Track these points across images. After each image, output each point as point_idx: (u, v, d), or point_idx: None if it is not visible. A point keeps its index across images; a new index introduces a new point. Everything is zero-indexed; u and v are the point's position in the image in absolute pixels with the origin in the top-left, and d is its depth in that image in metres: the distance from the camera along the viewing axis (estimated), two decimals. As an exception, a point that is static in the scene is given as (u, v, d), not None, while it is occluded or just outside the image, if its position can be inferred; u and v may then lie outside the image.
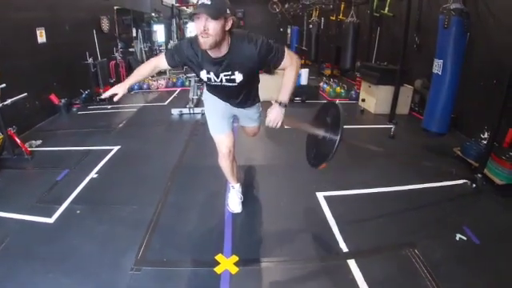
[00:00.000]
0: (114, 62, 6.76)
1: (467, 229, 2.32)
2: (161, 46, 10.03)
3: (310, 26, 8.88)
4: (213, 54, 1.77)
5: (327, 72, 8.30)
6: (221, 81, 1.92)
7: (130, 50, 8.20)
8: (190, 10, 12.20)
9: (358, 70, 6.71)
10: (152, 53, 9.05)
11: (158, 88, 6.97)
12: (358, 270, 1.94)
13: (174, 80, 7.26)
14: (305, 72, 5.98)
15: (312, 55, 9.18)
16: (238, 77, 1.88)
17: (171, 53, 1.93)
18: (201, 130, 4.39)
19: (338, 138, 1.75)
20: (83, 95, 5.67)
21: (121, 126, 4.66)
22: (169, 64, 1.95)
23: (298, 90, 5.85)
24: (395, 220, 2.48)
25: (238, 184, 2.58)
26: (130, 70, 7.08)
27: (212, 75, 1.89)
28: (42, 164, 3.43)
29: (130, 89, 6.76)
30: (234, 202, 2.55)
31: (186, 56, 1.86)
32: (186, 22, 11.71)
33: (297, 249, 2.16)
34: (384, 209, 2.61)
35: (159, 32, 10.36)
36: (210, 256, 2.04)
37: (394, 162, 3.48)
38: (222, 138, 2.26)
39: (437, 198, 2.78)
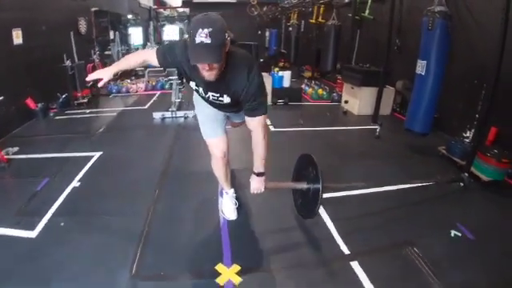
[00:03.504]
0: (91, 64, 6.50)
1: (460, 225, 2.37)
2: (138, 49, 9.78)
3: (290, 28, 8.95)
4: None
5: (307, 74, 8.36)
6: (208, 97, 1.86)
7: (107, 52, 7.92)
8: (167, 12, 11.99)
9: (339, 72, 6.80)
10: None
11: (137, 91, 6.76)
12: (362, 271, 1.93)
13: (154, 83, 7.06)
14: (287, 74, 6.00)
15: (292, 57, 9.24)
16: (226, 99, 1.80)
17: (163, 52, 1.78)
18: (184, 134, 4.29)
19: (319, 187, 1.96)
20: (60, 99, 5.38)
21: (101, 131, 4.45)
22: (159, 63, 1.80)
23: (280, 93, 5.86)
24: (390, 220, 2.49)
25: (232, 189, 2.50)
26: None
27: (201, 90, 1.83)
28: (20, 172, 3.21)
29: (109, 92, 6.61)
30: (228, 208, 2.46)
31: (180, 61, 1.74)
32: (164, 25, 11.50)
33: (299, 254, 2.12)
34: (378, 209, 2.61)
35: (136, 35, 10.09)
36: (209, 266, 1.95)
37: (382, 162, 3.53)
38: (215, 141, 2.18)
39: (427, 196, 2.81)
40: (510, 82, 3.01)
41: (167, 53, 1.76)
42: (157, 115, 4.86)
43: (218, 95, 1.79)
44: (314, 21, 8.00)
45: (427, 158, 3.64)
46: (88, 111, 5.33)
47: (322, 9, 7.43)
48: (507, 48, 2.64)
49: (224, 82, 1.66)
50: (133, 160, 3.52)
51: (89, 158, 3.44)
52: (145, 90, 6.82)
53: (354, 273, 1.92)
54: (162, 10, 12.03)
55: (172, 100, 4.94)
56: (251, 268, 1.96)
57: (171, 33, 11.20)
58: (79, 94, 5.61)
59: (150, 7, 10.92)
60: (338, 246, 2.16)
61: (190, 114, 4.82)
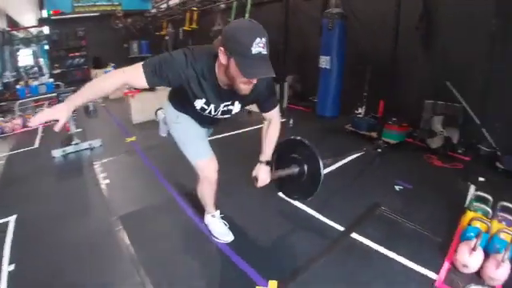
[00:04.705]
0: None
1: (398, 181, 3.03)
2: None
3: (166, 37, 8.71)
4: (227, 85, 1.55)
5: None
6: (216, 113, 1.73)
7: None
8: (22, 34, 9.66)
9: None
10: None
11: (13, 130, 5.37)
12: (363, 237, 2.27)
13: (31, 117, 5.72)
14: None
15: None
16: (236, 108, 1.75)
17: (154, 69, 1.45)
18: (104, 167, 3.62)
19: (320, 163, 1.92)
20: None
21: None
22: (149, 83, 1.46)
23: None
24: (351, 191, 2.94)
25: (218, 211, 2.33)
26: None
27: (211, 107, 1.68)
28: None
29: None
30: (221, 231, 2.27)
31: (185, 78, 1.50)
32: (19, 49, 9.25)
33: (308, 247, 2.22)
34: (336, 186, 3.00)
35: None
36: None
37: None
38: (208, 162, 1.99)
39: (361, 166, 3.41)
40: (388, 66, 3.91)
41: (163, 69, 1.46)
42: (57, 153, 4.02)
43: (230, 103, 1.71)
44: (187, 28, 8.06)
45: (341, 136, 4.34)
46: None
47: (195, 15, 7.57)
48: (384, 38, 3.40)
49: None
50: (64, 215, 2.75)
51: (4, 227, 2.61)
52: (23, 127, 5.47)
53: (360, 242, 2.23)
54: (15, 32, 9.55)
55: (71, 131, 4.17)
56: (286, 276, 1.95)
57: (25, 58, 9.20)
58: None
59: (4, 29, 8.52)
60: (332, 227, 2.42)
61: (95, 143, 4.18)
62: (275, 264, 2.08)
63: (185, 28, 8.15)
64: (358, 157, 3.54)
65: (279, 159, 2.10)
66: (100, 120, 5.70)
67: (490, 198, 2.25)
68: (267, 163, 1.94)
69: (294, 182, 2.08)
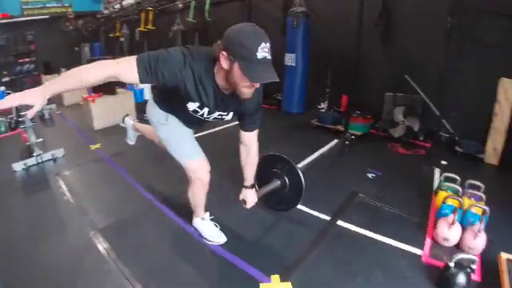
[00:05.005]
0: None
1: (369, 168, 3.20)
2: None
3: (121, 38, 8.30)
4: (226, 90, 1.52)
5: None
6: (209, 117, 1.68)
7: None
8: None
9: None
10: None
11: None
12: (348, 224, 2.36)
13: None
14: (147, 87, 5.70)
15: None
16: (229, 116, 1.72)
17: (149, 64, 1.35)
18: (70, 179, 3.27)
19: (299, 173, 2.09)
20: None
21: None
22: (141, 80, 1.36)
23: (142, 106, 5.52)
24: (330, 183, 3.01)
25: (208, 213, 2.25)
26: None
27: (205, 110, 1.61)
28: None
29: None
30: (213, 233, 2.19)
31: (181, 78, 1.42)
32: None
33: (299, 239, 2.25)
34: (310, 179, 2.95)
35: None
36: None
37: (282, 144, 4.00)
38: (200, 162, 1.93)
39: (332, 158, 3.49)
40: (350, 62, 4.11)
41: (159, 66, 1.36)
42: (17, 166, 3.57)
43: (226, 113, 1.68)
44: (142, 29, 7.77)
45: (308, 131, 4.44)
46: None
47: (151, 15, 7.32)
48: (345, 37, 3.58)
49: (237, 98, 1.52)
50: (37, 234, 2.38)
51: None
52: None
53: (347, 228, 2.32)
54: None
55: (31, 141, 3.76)
56: (288, 268, 1.96)
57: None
58: None
59: None
60: (317, 217, 2.47)
61: (58, 153, 3.83)
62: (272, 259, 2.07)
63: (140, 29, 7.84)
64: (328, 149, 3.67)
65: (259, 176, 2.14)
66: (59, 128, 5.22)
67: (457, 177, 2.46)
68: (252, 186, 2.00)
69: (277, 195, 2.21)
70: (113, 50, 8.70)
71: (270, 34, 1.37)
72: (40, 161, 3.68)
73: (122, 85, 5.14)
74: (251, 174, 1.96)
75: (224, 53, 1.33)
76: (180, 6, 6.74)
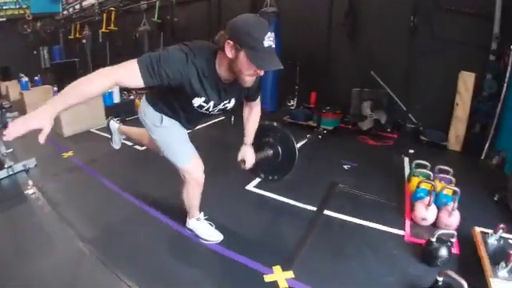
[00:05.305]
0: None
1: (344, 160, 3.39)
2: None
3: (84, 40, 7.86)
4: (228, 80, 1.56)
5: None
6: (214, 110, 1.70)
7: None
8: None
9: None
10: None
11: None
12: (334, 212, 2.49)
13: None
14: (116, 89, 5.47)
15: (90, 70, 8.25)
16: (231, 104, 1.75)
17: (152, 67, 1.34)
18: (46, 189, 2.98)
19: (292, 140, 2.06)
20: None
21: None
22: (146, 82, 1.35)
23: (115, 109, 5.33)
24: (304, 177, 3.00)
25: (202, 213, 2.24)
26: None
27: (211, 104, 1.64)
28: None
29: None
30: (209, 232, 2.19)
31: (186, 75, 1.43)
32: None
33: (291, 230, 2.33)
34: (290, 173, 3.13)
35: None
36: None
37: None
38: (195, 163, 1.93)
39: (308, 152, 3.64)
40: (319, 61, 4.32)
41: (162, 67, 1.36)
42: None
43: (228, 101, 1.71)
44: (104, 30, 7.46)
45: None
46: None
47: (113, 16, 7.05)
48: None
49: (239, 86, 1.57)
50: (21, 251, 2.16)
51: None
52: None
53: (334, 217, 2.45)
54: None
55: (0, 153, 3.44)
56: (288, 258, 2.01)
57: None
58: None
59: None
60: (305, 208, 2.57)
61: (29, 163, 3.55)
62: (270, 251, 2.11)
63: (102, 30, 7.51)
64: (303, 144, 3.84)
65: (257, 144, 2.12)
66: (27, 137, 4.80)
67: (428, 164, 2.71)
68: (251, 144, 1.99)
69: (270, 164, 2.17)
70: (74, 52, 8.23)
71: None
72: (11, 172, 3.38)
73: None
74: (252, 129, 1.97)
75: (230, 41, 1.37)
76: (145, 6, 6.57)
